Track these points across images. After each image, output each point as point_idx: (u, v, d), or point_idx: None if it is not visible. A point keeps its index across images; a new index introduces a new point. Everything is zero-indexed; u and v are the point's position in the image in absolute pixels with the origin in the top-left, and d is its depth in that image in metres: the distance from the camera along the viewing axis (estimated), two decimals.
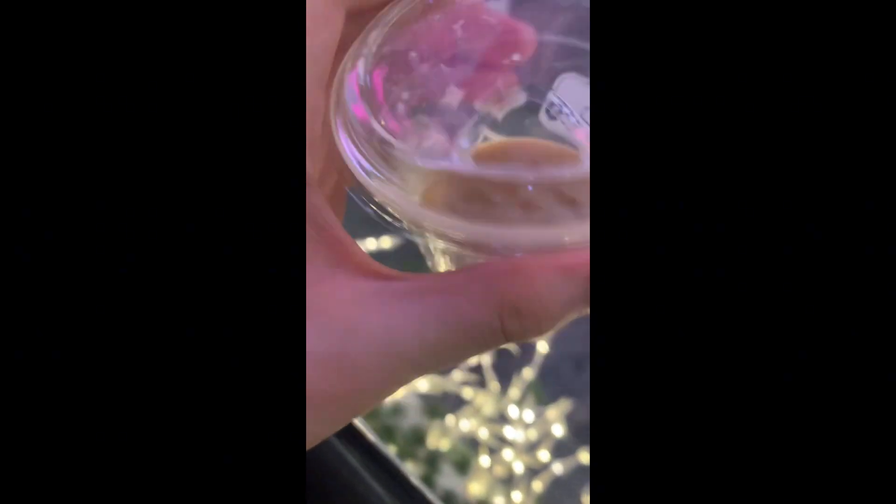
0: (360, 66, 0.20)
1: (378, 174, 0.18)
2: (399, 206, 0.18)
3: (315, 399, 0.17)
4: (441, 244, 0.20)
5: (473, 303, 0.18)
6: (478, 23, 0.21)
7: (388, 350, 0.17)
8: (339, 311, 0.18)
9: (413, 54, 0.21)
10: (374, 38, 0.20)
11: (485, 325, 0.18)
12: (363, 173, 0.18)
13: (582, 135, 0.21)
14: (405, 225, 0.19)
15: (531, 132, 0.21)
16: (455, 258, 0.22)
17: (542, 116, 0.21)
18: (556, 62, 0.21)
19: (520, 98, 0.21)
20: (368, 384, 0.18)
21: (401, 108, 0.20)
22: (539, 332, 0.19)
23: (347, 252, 0.19)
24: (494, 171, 0.18)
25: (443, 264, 0.23)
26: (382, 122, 0.19)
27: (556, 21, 0.21)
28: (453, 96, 0.21)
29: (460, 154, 0.21)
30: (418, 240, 0.22)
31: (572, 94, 0.21)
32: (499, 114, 0.21)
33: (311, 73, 0.19)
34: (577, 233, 0.19)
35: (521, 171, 0.18)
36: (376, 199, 0.19)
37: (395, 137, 0.19)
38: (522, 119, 0.21)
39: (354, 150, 0.18)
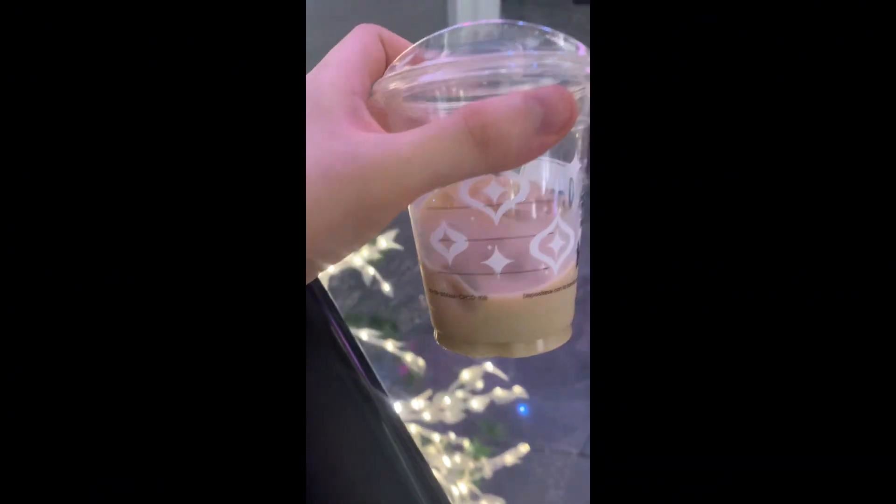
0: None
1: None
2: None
3: (323, 181, 0.23)
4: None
5: (449, 117, 0.24)
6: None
7: (390, 147, 0.24)
8: (372, 138, 0.24)
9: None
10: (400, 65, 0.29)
11: (457, 125, 0.23)
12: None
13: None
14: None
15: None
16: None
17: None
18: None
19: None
20: (372, 174, 0.23)
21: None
22: (497, 131, 0.23)
23: (374, 127, 0.26)
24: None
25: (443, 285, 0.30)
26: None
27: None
28: None
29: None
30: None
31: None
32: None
33: (363, 52, 0.28)
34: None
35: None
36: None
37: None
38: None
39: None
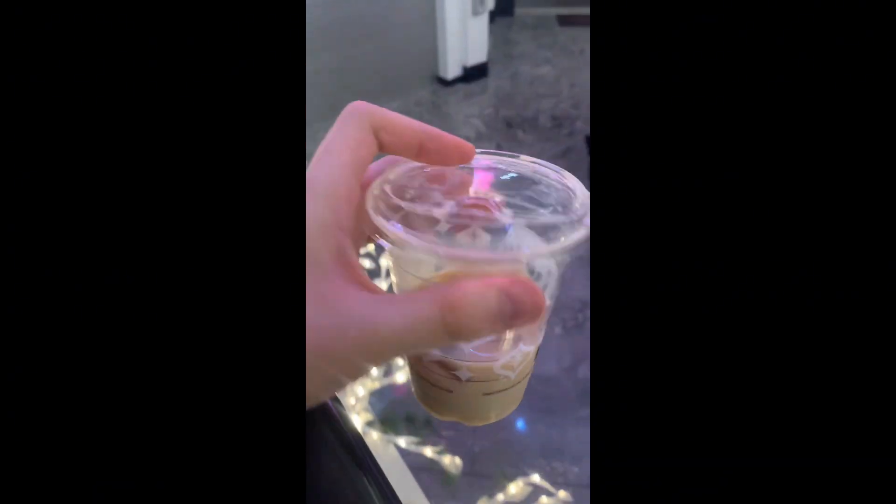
0: (386, 187, 0.31)
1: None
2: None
3: (316, 356, 0.25)
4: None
5: (427, 302, 0.26)
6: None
7: (371, 329, 0.26)
8: (347, 305, 0.26)
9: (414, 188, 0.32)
10: (394, 172, 0.32)
11: (432, 316, 0.26)
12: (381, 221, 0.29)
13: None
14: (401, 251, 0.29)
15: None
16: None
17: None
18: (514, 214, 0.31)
19: (484, 234, 0.31)
20: (356, 351, 0.26)
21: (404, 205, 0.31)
22: (469, 328, 0.26)
23: (358, 276, 0.28)
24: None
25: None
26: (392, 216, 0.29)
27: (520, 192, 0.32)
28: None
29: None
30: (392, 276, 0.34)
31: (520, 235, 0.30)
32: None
33: (353, 174, 0.29)
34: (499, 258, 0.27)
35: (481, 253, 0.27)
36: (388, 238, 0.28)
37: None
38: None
39: (377, 216, 0.29)
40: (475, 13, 3.60)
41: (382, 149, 0.32)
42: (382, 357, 0.27)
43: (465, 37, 3.67)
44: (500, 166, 0.35)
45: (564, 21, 4.73)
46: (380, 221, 0.29)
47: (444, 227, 0.31)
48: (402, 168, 0.33)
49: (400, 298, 0.27)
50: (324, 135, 0.29)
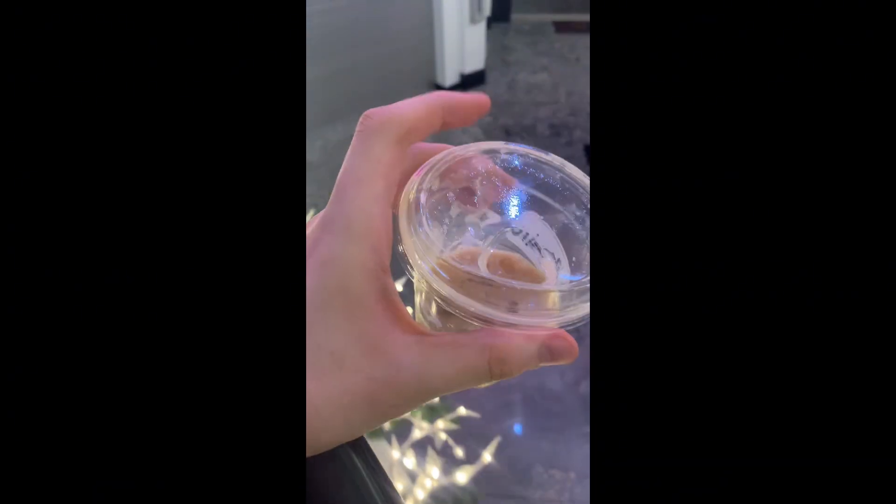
0: (421, 195, 0.31)
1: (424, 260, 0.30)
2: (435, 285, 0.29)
3: (367, 404, 0.26)
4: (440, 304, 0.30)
5: (475, 353, 0.27)
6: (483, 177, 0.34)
7: (427, 382, 0.27)
8: (399, 357, 0.27)
9: (449, 193, 0.33)
10: (426, 179, 0.32)
11: (481, 367, 0.27)
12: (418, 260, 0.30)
13: (546, 266, 0.34)
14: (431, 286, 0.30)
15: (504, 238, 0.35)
16: (441, 309, 0.32)
17: (508, 233, 0.34)
18: (527, 203, 0.34)
19: (496, 217, 0.34)
20: (409, 401, 0.27)
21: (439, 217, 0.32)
22: (512, 374, 0.28)
23: (402, 315, 0.28)
24: (498, 279, 0.29)
25: (433, 309, 0.34)
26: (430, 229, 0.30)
27: (534, 182, 0.35)
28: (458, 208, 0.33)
29: (480, 261, 0.33)
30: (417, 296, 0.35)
31: (531, 224, 0.34)
32: (482, 223, 0.34)
33: (388, 204, 0.29)
34: (532, 322, 0.29)
35: (510, 282, 0.28)
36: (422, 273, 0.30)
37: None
38: (498, 230, 0.34)
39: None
40: (473, 21, 3.60)
41: (413, 154, 0.32)
42: (428, 400, 0.29)
43: (462, 44, 3.67)
44: (530, 169, 0.36)
45: (561, 27, 4.74)
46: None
47: (455, 211, 0.32)
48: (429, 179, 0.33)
49: (447, 343, 0.27)
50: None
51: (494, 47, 4.25)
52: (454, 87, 3.84)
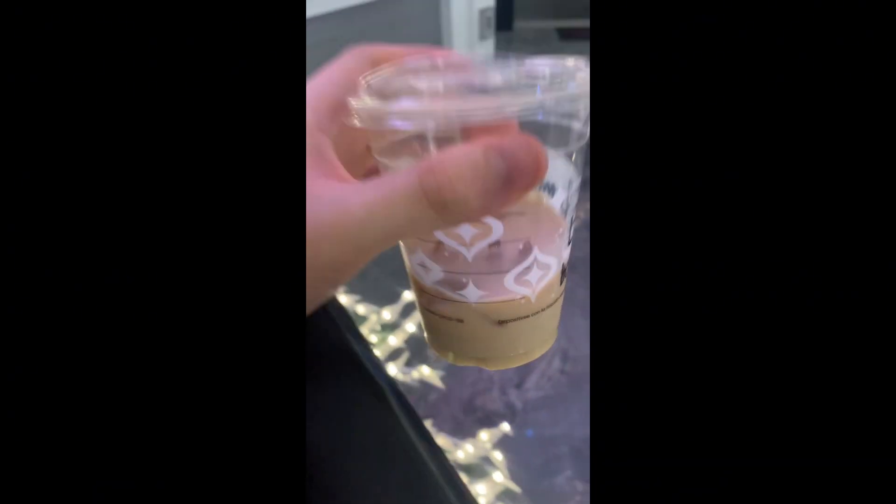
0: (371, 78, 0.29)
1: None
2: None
3: (313, 239, 0.24)
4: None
5: (404, 174, 0.23)
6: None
7: (343, 208, 0.23)
8: (319, 192, 0.24)
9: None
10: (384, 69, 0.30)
11: (410, 184, 0.22)
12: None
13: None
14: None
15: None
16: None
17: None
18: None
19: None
20: (332, 237, 0.24)
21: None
22: (454, 192, 0.22)
23: (338, 173, 0.26)
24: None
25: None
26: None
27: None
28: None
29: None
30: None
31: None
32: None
33: (340, 88, 0.29)
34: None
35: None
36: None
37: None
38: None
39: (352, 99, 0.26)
40: (482, 38, 3.59)
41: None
42: (360, 243, 0.24)
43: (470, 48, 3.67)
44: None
45: (565, 35, 4.73)
46: (355, 102, 0.26)
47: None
48: (388, 66, 0.31)
49: (378, 179, 0.24)
50: None
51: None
52: None
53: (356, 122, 0.26)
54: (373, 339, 1.34)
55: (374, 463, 0.30)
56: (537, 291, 0.29)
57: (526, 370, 1.94)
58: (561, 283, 0.31)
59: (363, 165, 0.32)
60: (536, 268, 0.28)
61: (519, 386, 1.90)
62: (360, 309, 1.37)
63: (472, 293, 0.28)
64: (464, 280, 0.28)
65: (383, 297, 1.42)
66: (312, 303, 0.26)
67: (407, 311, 1.39)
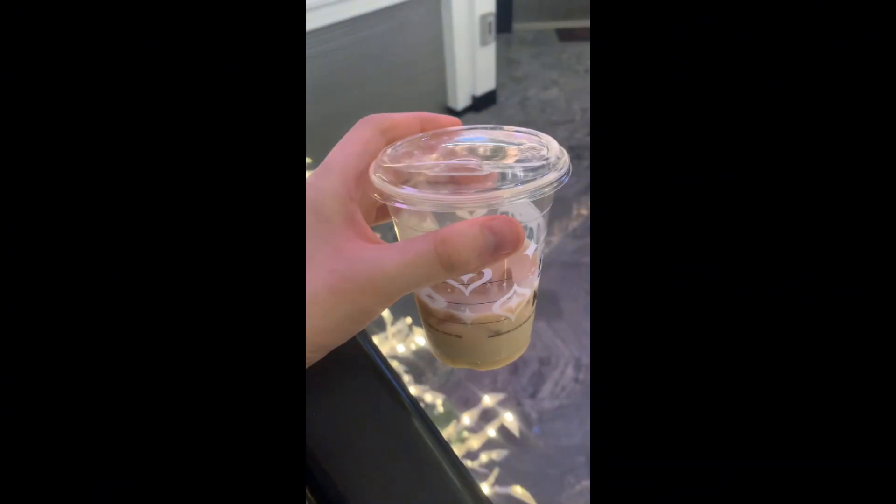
0: (388, 151, 0.37)
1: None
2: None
3: (332, 296, 0.30)
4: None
5: (423, 241, 0.31)
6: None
7: (378, 266, 0.30)
8: (357, 253, 0.31)
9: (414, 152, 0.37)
10: (396, 145, 0.38)
11: (428, 251, 0.30)
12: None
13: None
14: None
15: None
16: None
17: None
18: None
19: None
20: (367, 288, 0.30)
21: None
22: (460, 257, 0.30)
23: (366, 233, 0.33)
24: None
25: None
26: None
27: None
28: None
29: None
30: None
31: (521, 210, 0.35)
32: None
33: (363, 161, 0.35)
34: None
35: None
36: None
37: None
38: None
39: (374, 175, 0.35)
40: (483, 43, 3.59)
41: (391, 142, 0.38)
42: (390, 293, 0.31)
43: (473, 67, 3.65)
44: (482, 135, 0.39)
45: (564, 36, 4.73)
46: (375, 179, 0.34)
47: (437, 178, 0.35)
48: (398, 143, 0.38)
49: (401, 243, 0.31)
50: None
51: (501, 62, 4.17)
52: (466, 110, 3.83)
53: (377, 198, 0.34)
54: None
55: (391, 462, 0.34)
56: (516, 313, 0.39)
57: (539, 380, 1.99)
58: (532, 304, 0.41)
59: (374, 207, 0.40)
60: (516, 296, 0.38)
61: (533, 395, 1.91)
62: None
63: (468, 316, 0.38)
64: (462, 307, 0.37)
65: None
66: (345, 339, 0.33)
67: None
